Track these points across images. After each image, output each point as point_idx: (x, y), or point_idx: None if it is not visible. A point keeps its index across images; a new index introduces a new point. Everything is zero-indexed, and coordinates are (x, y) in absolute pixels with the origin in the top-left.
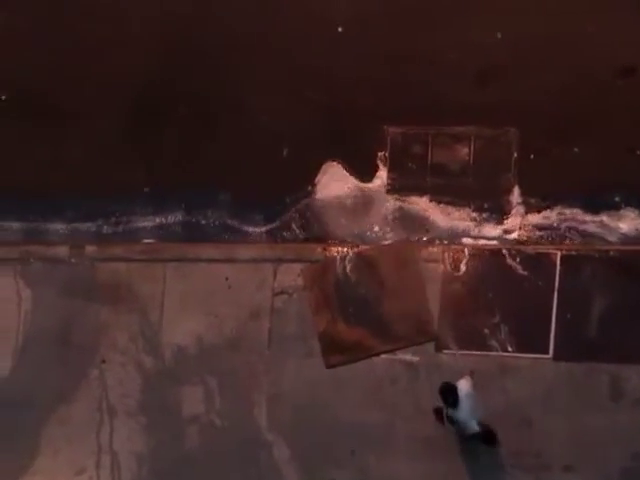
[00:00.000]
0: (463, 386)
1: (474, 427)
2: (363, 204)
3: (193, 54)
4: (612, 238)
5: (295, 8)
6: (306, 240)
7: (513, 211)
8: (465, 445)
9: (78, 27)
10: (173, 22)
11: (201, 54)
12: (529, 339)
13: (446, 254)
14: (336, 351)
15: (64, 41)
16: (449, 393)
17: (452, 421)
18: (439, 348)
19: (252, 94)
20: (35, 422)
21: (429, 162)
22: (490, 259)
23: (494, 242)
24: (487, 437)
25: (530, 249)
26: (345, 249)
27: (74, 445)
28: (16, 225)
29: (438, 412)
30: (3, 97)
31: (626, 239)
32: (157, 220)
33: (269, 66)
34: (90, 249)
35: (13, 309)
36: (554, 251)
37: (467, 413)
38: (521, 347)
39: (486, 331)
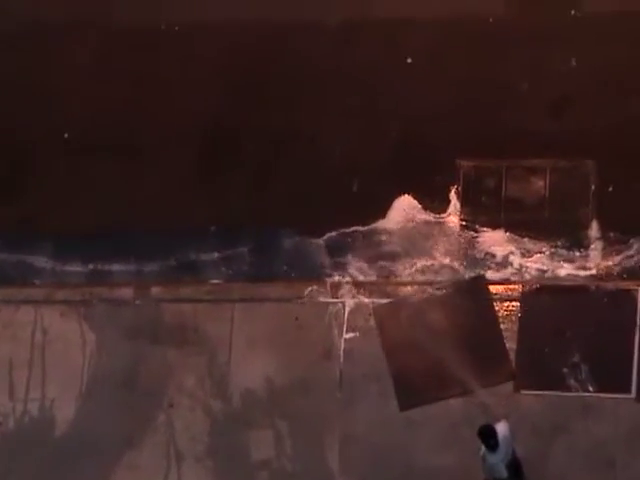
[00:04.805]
0: (500, 429)
1: (503, 472)
2: (435, 239)
3: (262, 88)
4: None
5: (363, 40)
6: (377, 277)
7: (592, 246)
8: None
9: (143, 64)
10: (242, 55)
11: (270, 88)
12: (610, 379)
13: (522, 291)
14: (410, 393)
15: (128, 77)
16: (490, 436)
17: (483, 462)
18: (517, 388)
19: (322, 127)
20: (102, 468)
21: (503, 196)
22: (568, 296)
23: (572, 278)
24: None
25: (610, 285)
26: (417, 286)
27: None
28: (79, 266)
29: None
30: (65, 135)
31: None
32: (224, 259)
33: (339, 99)
34: (155, 290)
35: (77, 352)
36: (635, 287)
37: (500, 457)
38: (602, 387)
39: (565, 370)
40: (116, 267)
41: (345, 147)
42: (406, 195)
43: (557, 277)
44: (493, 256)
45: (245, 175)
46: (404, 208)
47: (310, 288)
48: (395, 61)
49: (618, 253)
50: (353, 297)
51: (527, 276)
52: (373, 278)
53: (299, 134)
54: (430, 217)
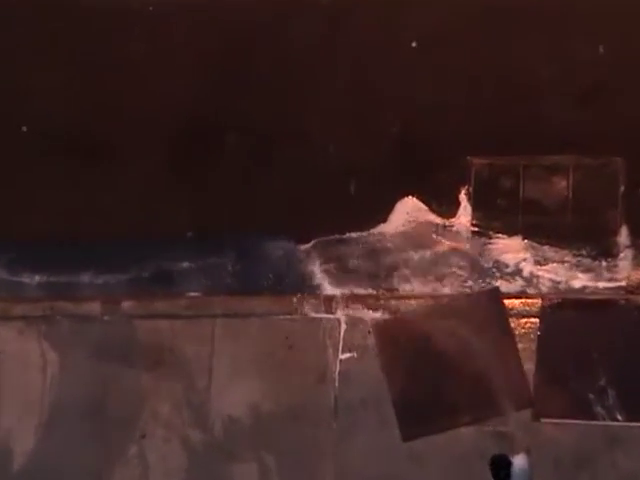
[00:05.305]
0: (518, 462)
1: None
2: (443, 247)
3: (247, 76)
4: None
5: (361, 21)
6: (377, 290)
7: (621, 254)
8: None
9: (112, 48)
10: (224, 38)
11: (256, 76)
12: None
13: (541, 305)
14: (414, 421)
15: (94, 63)
16: (501, 467)
17: None
18: (536, 416)
19: (315, 120)
20: None
21: (521, 198)
22: (593, 311)
23: (598, 291)
24: None
25: None
26: (422, 300)
27: None
28: (39, 278)
29: None
30: (24, 128)
31: None
32: (203, 269)
33: (334, 88)
34: (126, 305)
35: (37, 375)
36: None
37: None
38: (632, 415)
39: (591, 396)
40: (81, 279)
41: (341, 142)
42: (410, 197)
43: (581, 290)
44: (508, 266)
45: (227, 174)
46: (408, 211)
47: (301, 302)
48: (398, 45)
49: None
50: (350, 312)
51: (546, 288)
52: (372, 290)
53: (289, 127)
54: (437, 221)
